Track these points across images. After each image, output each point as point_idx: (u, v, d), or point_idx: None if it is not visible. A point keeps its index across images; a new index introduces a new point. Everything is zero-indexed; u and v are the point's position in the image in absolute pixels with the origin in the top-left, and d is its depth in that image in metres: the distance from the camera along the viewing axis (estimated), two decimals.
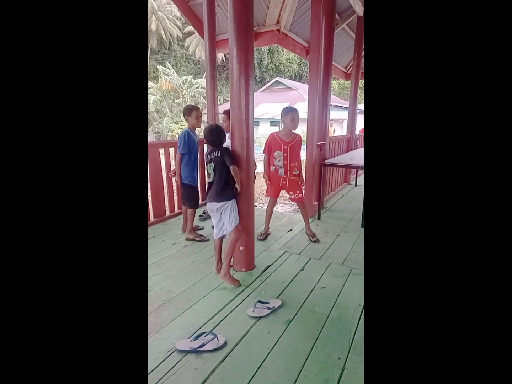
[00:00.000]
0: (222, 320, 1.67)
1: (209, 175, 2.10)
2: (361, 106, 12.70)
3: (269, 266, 2.32)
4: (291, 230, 3.09)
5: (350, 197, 4.48)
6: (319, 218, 3.45)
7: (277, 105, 18.37)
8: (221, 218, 2.09)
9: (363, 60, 6.33)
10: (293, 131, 2.70)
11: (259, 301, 1.77)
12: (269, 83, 22.99)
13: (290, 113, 2.61)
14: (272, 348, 1.46)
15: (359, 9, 4.70)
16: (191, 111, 2.69)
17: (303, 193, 2.86)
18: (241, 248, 2.19)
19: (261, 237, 2.84)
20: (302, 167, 2.88)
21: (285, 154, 2.66)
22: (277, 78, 22.78)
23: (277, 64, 26.37)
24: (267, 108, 18.99)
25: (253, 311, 1.71)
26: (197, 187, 2.89)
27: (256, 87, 26.61)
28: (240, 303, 1.84)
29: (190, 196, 2.78)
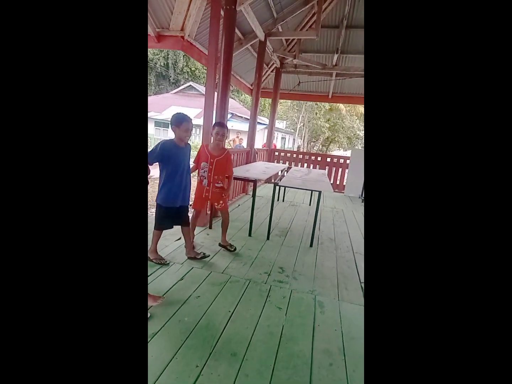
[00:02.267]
0: None
1: None
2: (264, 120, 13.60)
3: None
4: (179, 239, 3.06)
5: (245, 207, 4.72)
6: (210, 227, 3.51)
7: (189, 109, 18.09)
8: None
9: (263, 79, 6.84)
10: (222, 146, 2.80)
11: None
12: (183, 86, 22.51)
13: (216, 127, 2.71)
14: None
15: (260, 34, 5.08)
16: (181, 122, 2.25)
17: (227, 203, 2.94)
18: None
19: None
20: None
21: (210, 167, 2.77)
22: (190, 83, 22.50)
23: (192, 69, 26.06)
24: (178, 110, 18.47)
25: None
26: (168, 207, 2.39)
27: (169, 88, 25.62)
28: None
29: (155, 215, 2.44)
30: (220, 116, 3.64)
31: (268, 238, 3.36)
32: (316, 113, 22.15)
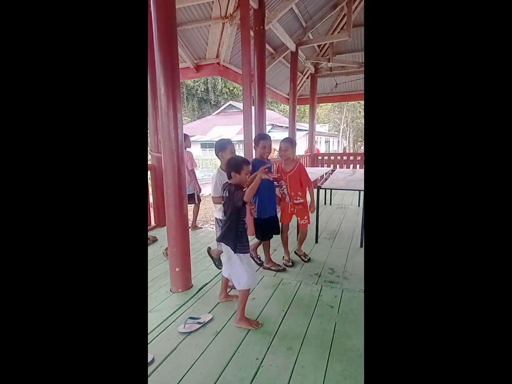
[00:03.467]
0: (152, 340, 1.77)
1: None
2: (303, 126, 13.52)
3: (205, 284, 2.46)
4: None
5: None
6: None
7: (231, 127, 18.91)
8: (228, 262, 1.96)
9: (299, 87, 6.94)
10: (292, 158, 2.71)
11: (190, 317, 1.90)
12: (223, 107, 23.63)
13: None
14: (197, 359, 1.60)
15: (291, 45, 5.25)
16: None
17: (309, 219, 2.84)
18: (177, 269, 2.31)
19: (289, 263, 2.80)
20: None
21: (285, 184, 2.74)
22: (230, 102, 23.53)
23: (230, 88, 27.27)
24: (221, 130, 19.46)
25: (184, 327, 1.83)
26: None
27: (211, 110, 27.08)
28: (172, 322, 1.94)
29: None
30: (259, 129, 3.86)
31: (316, 242, 3.41)
32: (360, 112, 21.44)
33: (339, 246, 3.28)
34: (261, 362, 1.56)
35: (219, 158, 2.37)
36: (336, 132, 24.15)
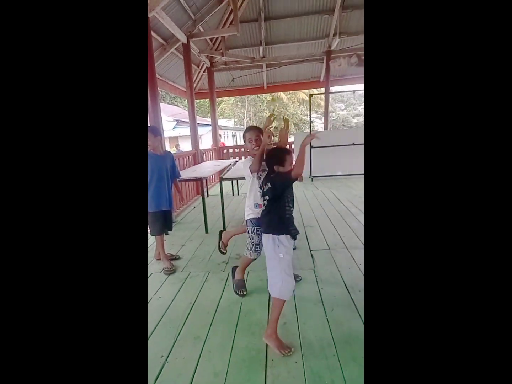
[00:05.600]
0: None
1: None
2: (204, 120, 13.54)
3: None
4: None
5: (201, 207, 4.78)
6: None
7: None
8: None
9: (197, 81, 6.85)
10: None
11: None
12: None
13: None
14: None
15: (181, 37, 5.12)
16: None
17: None
18: None
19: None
20: None
21: None
22: None
23: None
24: None
25: None
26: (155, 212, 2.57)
27: None
28: None
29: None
30: (155, 124, 3.66)
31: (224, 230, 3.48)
32: (260, 106, 22.61)
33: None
34: (167, 358, 1.51)
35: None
36: (241, 126, 24.94)
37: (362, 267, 2.36)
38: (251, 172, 1.87)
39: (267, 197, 1.66)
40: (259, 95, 20.48)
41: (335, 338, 1.58)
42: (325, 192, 5.24)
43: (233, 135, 24.89)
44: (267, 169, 1.76)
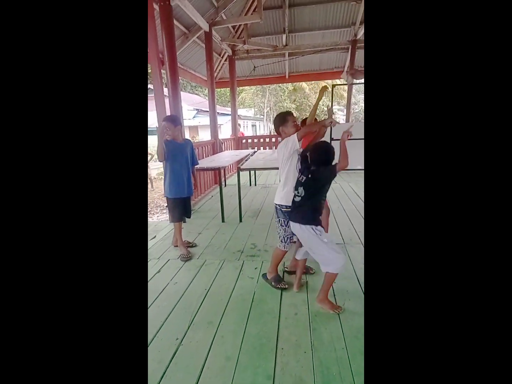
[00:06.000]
0: None
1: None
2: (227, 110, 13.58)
3: None
4: (154, 237, 3.17)
5: (218, 197, 4.85)
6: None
7: (151, 113, 17.70)
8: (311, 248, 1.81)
9: (218, 70, 6.82)
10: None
11: None
12: None
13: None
14: None
15: (204, 25, 5.10)
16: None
17: None
18: None
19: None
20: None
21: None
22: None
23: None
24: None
25: None
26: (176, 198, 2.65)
27: None
28: None
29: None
30: (176, 113, 3.71)
31: (241, 221, 3.53)
32: (281, 95, 22.29)
33: (262, 223, 3.46)
34: (181, 341, 1.59)
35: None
36: (261, 116, 24.76)
37: None
38: (299, 140, 1.85)
39: (303, 189, 1.72)
40: (280, 84, 20.19)
41: (345, 331, 1.59)
42: (343, 185, 5.16)
43: (253, 125, 24.78)
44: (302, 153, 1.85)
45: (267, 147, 7.84)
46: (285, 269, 2.33)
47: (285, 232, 1.99)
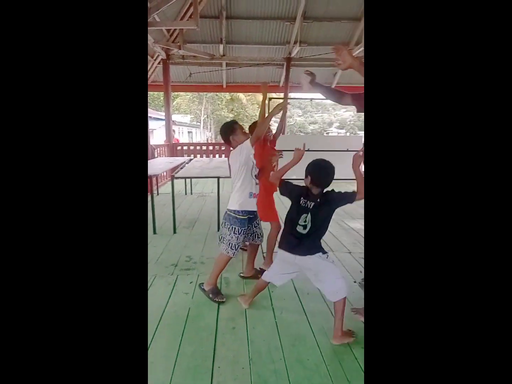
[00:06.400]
0: None
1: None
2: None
3: None
4: None
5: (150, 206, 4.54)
6: None
7: None
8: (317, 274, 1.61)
9: (151, 72, 6.49)
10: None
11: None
12: None
13: None
14: None
15: None
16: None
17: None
18: None
19: None
20: None
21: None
22: None
23: None
24: None
25: None
26: None
27: None
28: None
29: None
30: None
31: (175, 232, 3.34)
32: (218, 104, 22.38)
33: (198, 233, 3.33)
34: None
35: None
36: (198, 123, 24.40)
37: None
38: (252, 144, 1.83)
39: (310, 217, 1.52)
40: (217, 93, 20.26)
41: (283, 341, 1.59)
42: None
43: (189, 132, 24.26)
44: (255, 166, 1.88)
45: (204, 155, 7.70)
46: (240, 274, 2.29)
47: (237, 239, 1.93)
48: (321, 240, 1.63)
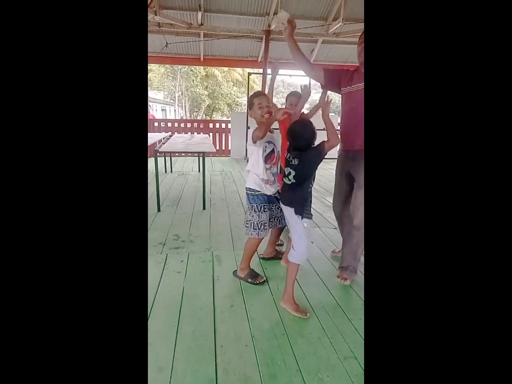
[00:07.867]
0: None
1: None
2: None
3: None
4: None
5: None
6: None
7: None
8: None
9: None
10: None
11: None
12: None
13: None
14: None
15: None
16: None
17: None
18: None
19: None
20: None
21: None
22: None
23: None
24: None
25: None
26: None
27: None
28: None
29: None
30: None
31: (159, 210, 3.19)
32: (193, 80, 21.41)
33: (183, 212, 3.21)
34: None
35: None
36: (172, 101, 23.31)
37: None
38: (253, 141, 1.68)
39: (292, 173, 1.58)
40: (192, 68, 19.32)
41: (283, 316, 1.57)
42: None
43: (163, 109, 23.21)
44: (271, 140, 1.75)
45: (182, 132, 7.38)
46: (261, 255, 2.19)
47: (259, 218, 1.80)
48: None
